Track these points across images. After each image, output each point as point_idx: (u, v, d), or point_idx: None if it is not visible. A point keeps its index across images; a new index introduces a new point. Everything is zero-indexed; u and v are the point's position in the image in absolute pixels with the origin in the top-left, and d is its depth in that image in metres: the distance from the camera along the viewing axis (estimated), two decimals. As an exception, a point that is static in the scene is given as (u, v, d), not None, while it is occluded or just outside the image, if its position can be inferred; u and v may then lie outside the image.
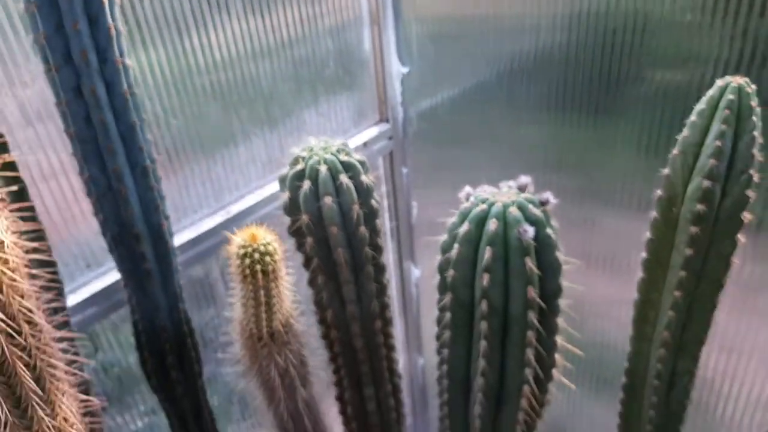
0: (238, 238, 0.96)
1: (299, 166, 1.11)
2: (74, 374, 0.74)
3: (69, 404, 0.69)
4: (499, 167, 1.54)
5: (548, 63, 1.37)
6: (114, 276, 1.18)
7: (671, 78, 1.30)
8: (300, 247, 1.18)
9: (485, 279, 1.02)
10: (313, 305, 1.31)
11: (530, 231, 1.00)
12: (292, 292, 1.07)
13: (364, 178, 1.12)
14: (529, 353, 1.09)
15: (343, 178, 1.09)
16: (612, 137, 1.44)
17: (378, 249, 1.22)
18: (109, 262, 1.18)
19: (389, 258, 1.75)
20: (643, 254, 1.01)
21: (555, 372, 1.17)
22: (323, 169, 1.09)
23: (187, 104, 1.26)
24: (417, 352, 1.93)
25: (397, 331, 1.89)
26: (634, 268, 1.30)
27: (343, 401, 1.48)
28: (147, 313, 1.12)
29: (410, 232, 1.71)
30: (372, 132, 1.55)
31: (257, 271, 0.94)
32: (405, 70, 1.49)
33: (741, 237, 0.85)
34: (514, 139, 1.53)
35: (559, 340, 1.14)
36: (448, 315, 1.12)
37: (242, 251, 0.95)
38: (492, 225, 1.01)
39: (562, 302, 1.10)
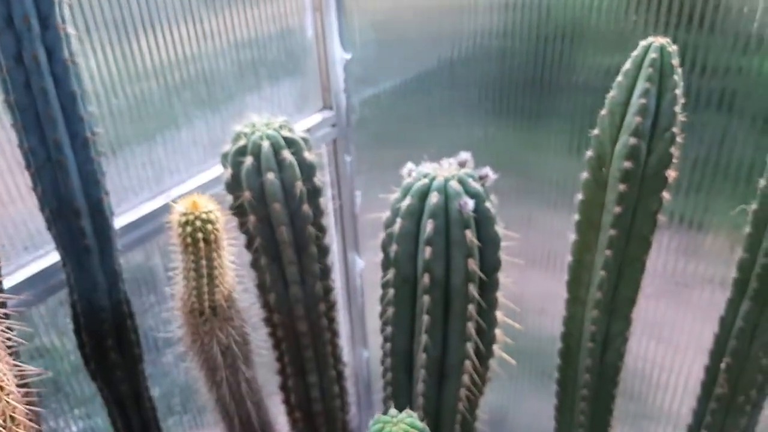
0: (180, 206, 0.95)
1: (241, 142, 1.10)
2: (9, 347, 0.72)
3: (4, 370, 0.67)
4: (443, 155, 1.57)
5: (487, 50, 1.41)
6: (52, 258, 1.15)
7: (602, 75, 1.34)
8: (242, 226, 1.18)
9: (427, 252, 1.04)
10: (255, 288, 1.30)
11: (470, 204, 1.03)
12: (234, 267, 1.07)
13: (307, 154, 1.12)
14: (470, 327, 1.11)
15: (286, 154, 1.09)
16: (545, 138, 1.47)
17: (322, 229, 1.23)
18: (47, 245, 1.15)
19: (333, 248, 1.75)
20: (576, 216, 1.04)
21: (495, 348, 1.20)
22: (265, 144, 1.09)
23: (128, 84, 1.24)
24: (362, 345, 1.93)
25: (342, 323, 1.89)
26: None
27: (287, 389, 1.47)
28: (85, 292, 1.09)
29: (354, 222, 1.72)
30: (315, 119, 1.56)
31: (198, 240, 0.93)
32: (348, 56, 1.51)
33: (666, 195, 0.90)
34: (457, 127, 1.56)
35: (499, 315, 1.17)
36: (391, 291, 1.13)
37: (183, 219, 0.94)
38: (433, 198, 1.03)
39: (502, 276, 1.13)
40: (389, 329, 1.18)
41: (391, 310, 1.15)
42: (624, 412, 1.51)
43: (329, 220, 1.74)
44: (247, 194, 1.10)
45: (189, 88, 1.34)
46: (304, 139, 1.13)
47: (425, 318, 1.10)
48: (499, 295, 1.14)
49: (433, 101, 1.55)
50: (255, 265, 1.24)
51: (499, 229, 1.08)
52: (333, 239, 1.77)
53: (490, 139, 1.52)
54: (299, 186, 1.11)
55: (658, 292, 1.41)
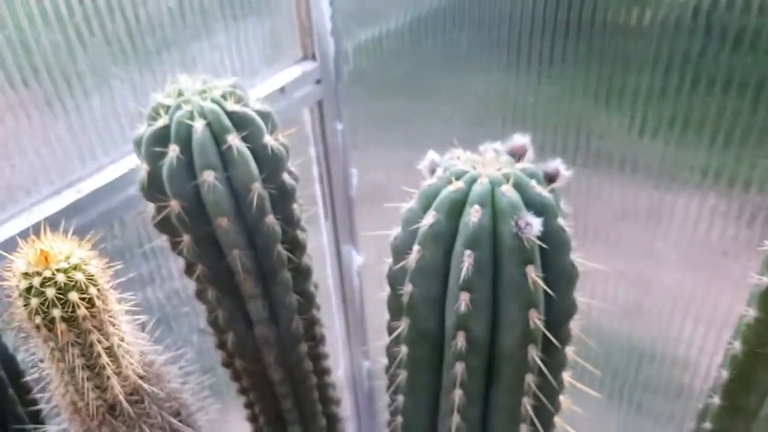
0: (21, 260, 0.54)
1: (161, 122, 0.68)
2: None
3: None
4: (467, 121, 1.15)
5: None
6: None
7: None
8: (174, 246, 0.77)
9: (463, 300, 0.64)
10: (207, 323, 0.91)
11: (535, 224, 0.62)
12: (143, 336, 0.67)
13: (268, 139, 0.71)
14: (526, 404, 0.72)
15: (233, 140, 0.68)
16: (574, 89, 1.05)
17: (298, 246, 0.82)
18: None
19: (323, 241, 1.36)
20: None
21: (557, 420, 0.81)
22: (199, 125, 0.67)
23: (11, 22, 0.82)
24: (361, 354, 1.55)
25: (336, 330, 1.51)
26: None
27: (262, 440, 1.10)
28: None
29: (349, 208, 1.32)
30: (293, 73, 1.12)
31: (55, 320, 0.53)
32: (336, -16, 1.07)
33: None
34: (484, 82, 1.13)
35: (566, 376, 0.77)
36: (403, 350, 0.73)
37: (25, 284, 0.53)
38: (474, 215, 0.62)
39: (574, 325, 0.73)
40: (401, 400, 0.79)
41: (403, 375, 0.76)
42: (663, 412, 1.22)
43: (318, 209, 1.32)
44: (174, 204, 0.70)
45: (104, 34, 0.91)
46: (263, 114, 0.71)
47: (457, 394, 0.71)
48: (569, 351, 0.75)
49: (453, 43, 1.12)
50: (201, 296, 0.84)
51: (576, 258, 0.68)
52: (323, 230, 1.36)
53: (529, 91, 1.09)
54: (257, 189, 0.70)
55: (696, 263, 1.08)
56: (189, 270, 0.81)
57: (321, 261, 1.40)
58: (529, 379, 0.70)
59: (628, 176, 1.06)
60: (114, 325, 0.57)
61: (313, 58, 1.15)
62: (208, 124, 0.68)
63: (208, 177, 0.68)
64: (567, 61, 1.03)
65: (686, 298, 1.10)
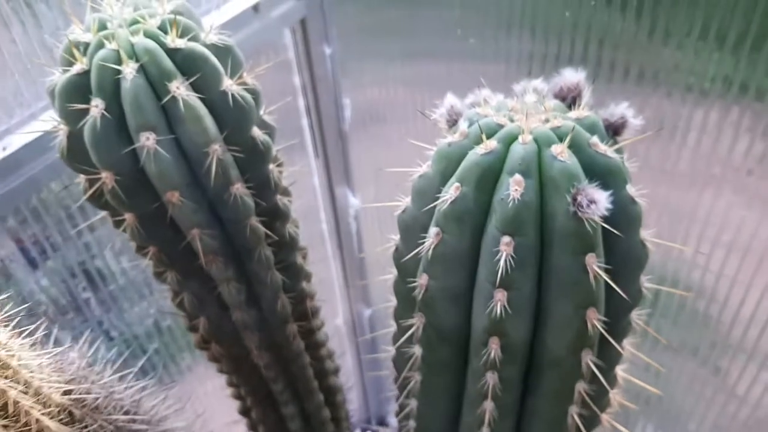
0: None
1: (77, 68, 0.49)
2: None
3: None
4: (475, 30, 0.94)
5: None
6: None
7: None
8: (117, 225, 0.59)
9: (499, 301, 0.48)
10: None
11: (601, 201, 0.44)
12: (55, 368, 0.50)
13: (228, 84, 0.52)
14: (573, 413, 0.57)
15: (178, 89, 0.49)
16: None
17: (279, 215, 0.65)
18: None
19: (314, 182, 1.18)
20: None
21: (604, 417, 0.66)
22: (129, 71, 0.48)
23: None
24: (362, 301, 1.41)
25: (333, 278, 1.36)
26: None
27: (251, 419, 0.97)
28: None
29: (342, 143, 1.13)
30: (266, -14, 0.91)
31: None
32: None
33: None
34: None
35: (619, 371, 0.62)
36: (418, 351, 0.57)
37: None
38: (514, 188, 0.45)
39: (636, 315, 0.56)
40: (414, 404, 0.63)
41: (416, 378, 0.60)
42: (687, 342, 1.09)
43: (307, 150, 1.14)
44: (106, 177, 0.51)
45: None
46: (221, 50, 0.52)
47: (488, 406, 0.55)
48: (627, 344, 0.59)
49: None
50: (159, 278, 0.68)
51: (646, 235, 0.51)
52: (313, 169, 1.18)
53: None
54: (215, 152, 0.52)
55: (717, 183, 0.94)
56: (140, 250, 0.63)
57: (313, 205, 1.23)
58: (581, 387, 0.54)
59: (643, 89, 0.88)
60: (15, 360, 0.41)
61: (291, -36, 0.93)
62: (142, 68, 0.49)
63: (147, 141, 0.49)
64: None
65: (705, 221, 0.95)
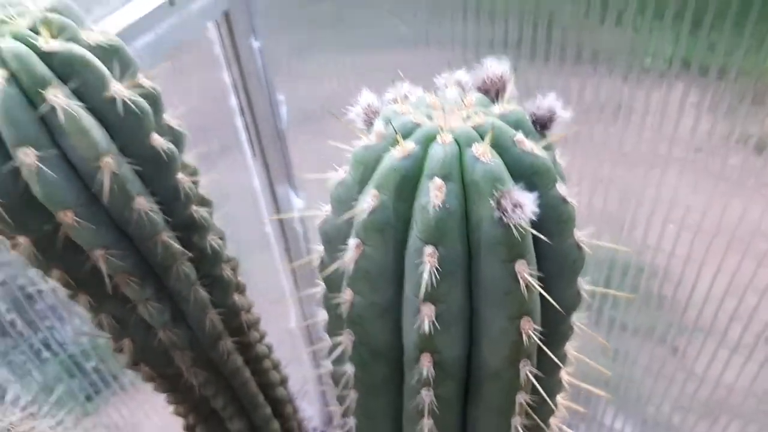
0: None
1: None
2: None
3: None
4: (412, 16, 0.90)
5: None
6: None
7: None
8: (14, 248, 0.54)
9: (426, 316, 0.44)
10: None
11: (527, 204, 0.40)
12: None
13: (117, 89, 0.47)
14: (518, 425, 0.53)
15: (56, 98, 0.43)
16: None
17: (195, 228, 0.60)
18: None
19: (254, 183, 1.12)
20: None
21: (553, 421, 0.63)
22: (-2, 81, 0.42)
23: None
24: (316, 304, 1.36)
25: (283, 281, 1.31)
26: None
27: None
28: None
29: (280, 142, 1.08)
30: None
31: None
32: None
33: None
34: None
35: (564, 375, 0.59)
36: (350, 370, 0.53)
37: None
38: (435, 194, 0.41)
39: (577, 318, 0.53)
40: (353, 422, 0.59)
41: (352, 397, 0.56)
42: (643, 323, 1.09)
43: (243, 149, 1.08)
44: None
45: None
46: (106, 51, 0.47)
47: (426, 424, 0.52)
48: (570, 349, 0.56)
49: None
50: (74, 299, 0.62)
51: (580, 236, 0.47)
52: (251, 170, 1.12)
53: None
54: (108, 167, 0.46)
55: (665, 160, 0.92)
56: (45, 272, 0.58)
57: (254, 207, 1.17)
58: (522, 398, 0.51)
59: (582, 68, 0.86)
60: None
61: (210, -46, 0.87)
62: (13, 77, 0.43)
63: (26, 157, 0.44)
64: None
65: (654, 200, 0.94)
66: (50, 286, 0.95)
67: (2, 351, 0.95)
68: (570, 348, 0.56)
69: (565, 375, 0.59)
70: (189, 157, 0.59)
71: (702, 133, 0.87)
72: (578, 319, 0.53)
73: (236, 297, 0.73)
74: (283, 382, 0.96)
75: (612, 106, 0.88)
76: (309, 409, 1.47)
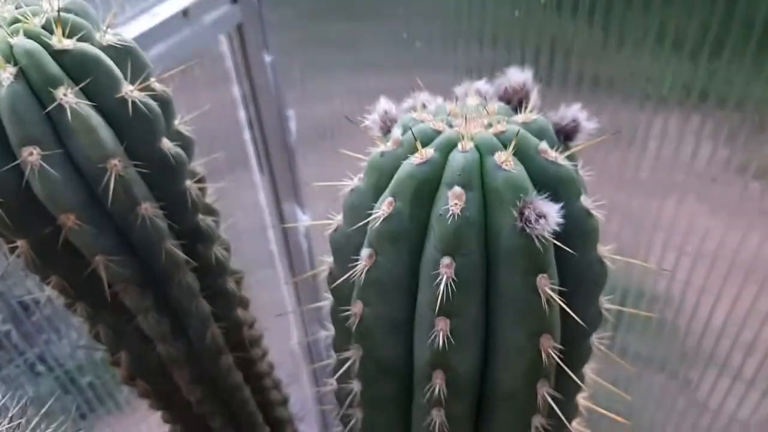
0: None
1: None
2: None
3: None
4: (422, 40, 0.89)
5: None
6: None
7: None
8: (12, 252, 0.52)
9: (441, 330, 0.42)
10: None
11: (551, 215, 0.39)
12: None
13: (128, 90, 0.45)
14: (533, 451, 0.51)
15: (66, 97, 0.42)
16: None
17: (201, 237, 0.58)
18: None
19: (259, 199, 1.11)
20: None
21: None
22: (6, 76, 0.41)
23: None
24: (318, 323, 1.34)
25: (285, 299, 1.29)
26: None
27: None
28: None
29: (288, 157, 1.07)
30: (197, -10, 0.84)
31: None
32: None
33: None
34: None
35: (581, 399, 0.56)
36: (357, 386, 0.51)
37: None
38: (454, 203, 0.39)
39: (597, 339, 0.51)
40: (357, 444, 0.57)
41: (357, 416, 0.54)
42: (655, 354, 1.06)
43: (250, 163, 1.07)
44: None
45: None
46: (119, 52, 0.46)
47: (436, 447, 0.49)
48: (589, 371, 0.53)
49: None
50: (70, 309, 0.60)
51: (605, 251, 0.45)
52: (258, 186, 1.11)
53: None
54: (114, 169, 0.45)
55: (680, 190, 0.90)
56: (43, 278, 0.56)
57: (260, 223, 1.16)
58: (537, 422, 0.49)
59: (597, 96, 0.85)
60: None
61: (225, -34, 0.87)
62: (22, 73, 0.42)
63: (30, 156, 0.42)
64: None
65: (669, 230, 0.92)
66: (47, 295, 0.93)
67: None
68: (588, 370, 0.54)
69: (582, 399, 0.56)
70: (198, 167, 0.58)
71: (718, 163, 0.86)
72: (598, 340, 0.51)
73: (239, 311, 0.71)
74: (284, 402, 0.93)
75: (628, 134, 0.87)
76: (309, 430, 1.44)
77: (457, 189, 0.40)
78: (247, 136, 1.04)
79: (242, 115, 1.01)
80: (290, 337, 1.39)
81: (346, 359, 0.50)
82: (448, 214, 0.40)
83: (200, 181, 0.56)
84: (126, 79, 0.46)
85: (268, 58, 0.95)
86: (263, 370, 0.82)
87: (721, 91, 0.78)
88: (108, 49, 0.45)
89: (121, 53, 0.46)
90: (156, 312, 0.59)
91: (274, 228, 1.18)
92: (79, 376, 1.03)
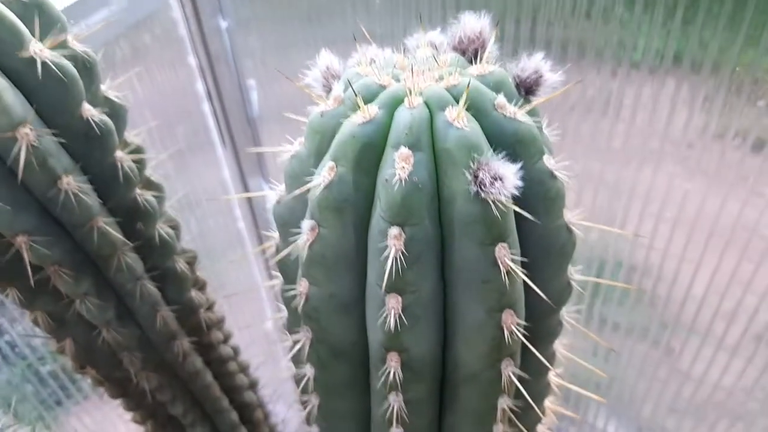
0: None
1: None
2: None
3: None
4: (398, 30, 0.84)
5: None
6: None
7: None
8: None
9: (392, 308, 0.37)
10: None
11: (508, 177, 0.34)
12: None
13: (36, 48, 0.40)
14: (500, 433, 0.47)
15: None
16: None
17: (139, 213, 0.53)
18: None
19: (223, 175, 1.06)
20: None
21: (540, 428, 0.57)
22: None
23: None
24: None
25: (257, 279, 1.24)
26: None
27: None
28: None
29: (252, 131, 1.01)
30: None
31: None
32: None
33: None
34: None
35: (552, 376, 0.53)
36: (310, 371, 0.47)
37: None
38: (401, 167, 0.34)
39: (567, 313, 0.47)
40: (321, 426, 0.53)
41: (314, 402, 0.50)
42: (636, 324, 1.03)
43: (210, 137, 1.02)
44: None
45: None
46: (31, 5, 0.40)
47: (395, 433, 0.45)
48: (559, 347, 0.50)
49: None
50: (2, 292, 0.55)
51: (571, 218, 0.41)
52: (221, 161, 1.06)
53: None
54: (25, 136, 0.40)
55: (663, 157, 0.87)
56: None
57: (227, 202, 1.11)
58: (504, 403, 0.45)
59: (570, 64, 0.80)
60: None
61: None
62: None
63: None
64: None
65: (646, 197, 0.88)
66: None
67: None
68: (559, 346, 0.51)
69: (553, 377, 0.53)
70: (133, 137, 0.53)
71: (694, 129, 0.82)
72: (568, 314, 0.47)
73: (193, 293, 0.66)
74: (253, 385, 0.90)
75: (601, 101, 0.83)
76: (285, 411, 1.40)
77: (405, 150, 0.35)
78: (206, 107, 0.98)
79: (200, 86, 0.96)
80: (265, 317, 1.35)
81: (294, 335, 0.46)
82: (395, 179, 0.35)
83: (134, 152, 0.51)
84: (35, 35, 0.41)
85: (224, 24, 0.90)
86: (226, 354, 0.78)
87: (695, 55, 0.74)
88: (12, 4, 0.40)
89: (28, 7, 0.41)
90: (96, 297, 0.54)
91: (241, 205, 1.13)
92: (40, 365, 0.99)
